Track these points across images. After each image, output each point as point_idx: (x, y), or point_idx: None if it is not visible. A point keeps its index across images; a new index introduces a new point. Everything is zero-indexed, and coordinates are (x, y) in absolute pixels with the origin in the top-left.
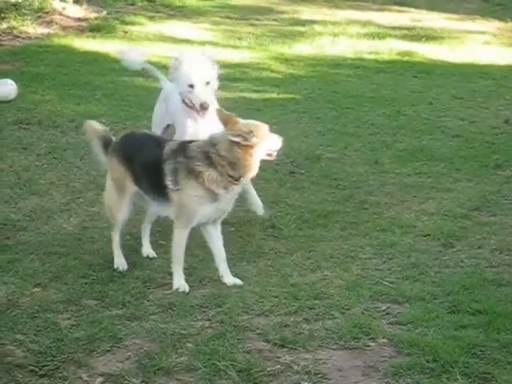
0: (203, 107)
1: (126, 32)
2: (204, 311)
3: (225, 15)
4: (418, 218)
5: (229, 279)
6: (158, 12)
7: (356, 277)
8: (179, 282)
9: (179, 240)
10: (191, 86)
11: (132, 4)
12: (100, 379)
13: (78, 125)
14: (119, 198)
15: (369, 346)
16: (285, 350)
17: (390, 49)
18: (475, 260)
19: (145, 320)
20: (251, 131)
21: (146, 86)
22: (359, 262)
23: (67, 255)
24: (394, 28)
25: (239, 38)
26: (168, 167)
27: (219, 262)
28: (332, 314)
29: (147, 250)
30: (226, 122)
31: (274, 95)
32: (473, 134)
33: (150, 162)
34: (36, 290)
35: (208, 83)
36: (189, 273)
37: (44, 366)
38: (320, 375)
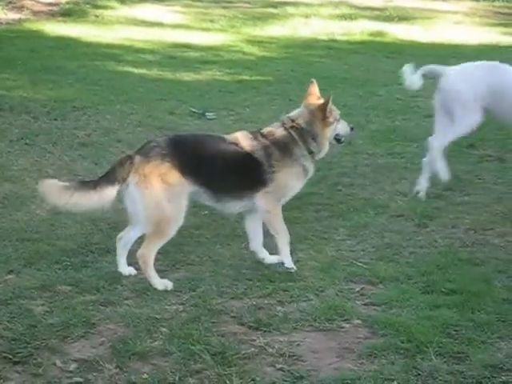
0: None
1: (97, 16)
2: (178, 295)
3: None
4: (391, 198)
5: (270, 259)
6: None
7: (330, 258)
8: (290, 260)
9: (278, 215)
10: None
11: None
12: (74, 365)
13: (50, 110)
14: (176, 204)
15: (343, 327)
16: (259, 332)
17: (362, 30)
18: (449, 240)
19: (119, 305)
20: (332, 110)
21: (118, 71)
22: (333, 243)
23: (40, 241)
24: (365, 9)
25: (211, 21)
26: (258, 156)
27: (257, 246)
28: (306, 296)
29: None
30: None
31: (247, 77)
32: None
33: (225, 160)
34: (9, 276)
35: None
36: (162, 257)
37: (18, 352)
38: (294, 357)
